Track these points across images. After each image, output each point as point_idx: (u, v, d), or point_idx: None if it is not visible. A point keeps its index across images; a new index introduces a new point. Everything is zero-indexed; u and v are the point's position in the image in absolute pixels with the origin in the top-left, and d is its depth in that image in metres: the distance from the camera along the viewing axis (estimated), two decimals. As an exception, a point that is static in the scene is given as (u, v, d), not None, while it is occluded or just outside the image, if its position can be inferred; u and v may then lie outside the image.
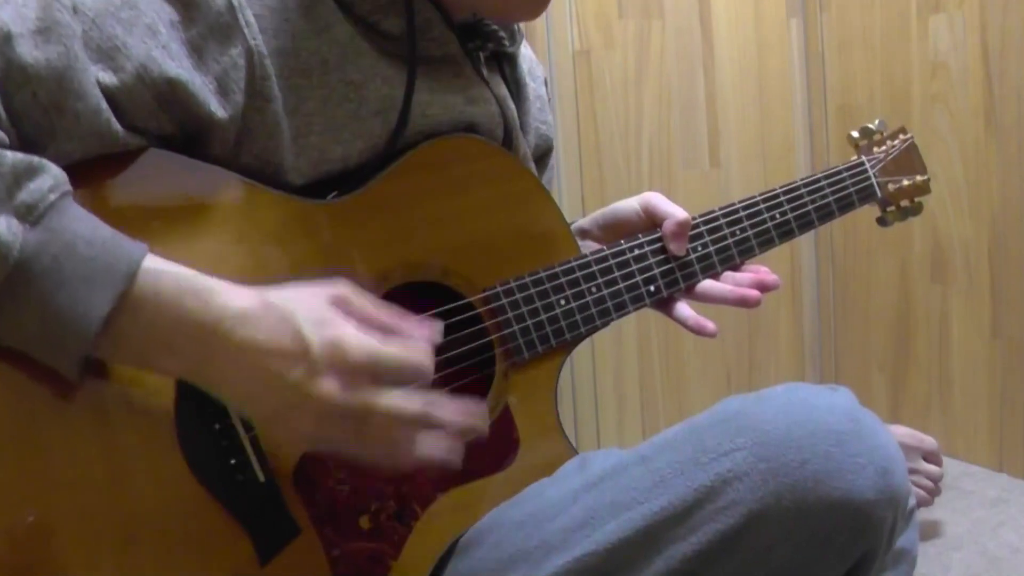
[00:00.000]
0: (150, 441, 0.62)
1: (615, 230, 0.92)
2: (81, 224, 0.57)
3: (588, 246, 0.90)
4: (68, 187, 0.57)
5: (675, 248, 0.87)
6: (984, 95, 1.46)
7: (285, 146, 0.70)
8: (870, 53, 1.66)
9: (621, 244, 0.85)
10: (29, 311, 0.55)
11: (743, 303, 0.89)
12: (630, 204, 0.91)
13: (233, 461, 0.65)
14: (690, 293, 0.91)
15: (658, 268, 0.87)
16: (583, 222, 0.96)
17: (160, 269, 0.58)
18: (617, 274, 0.85)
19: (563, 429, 0.83)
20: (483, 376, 0.80)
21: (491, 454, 0.78)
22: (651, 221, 0.90)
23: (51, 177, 0.56)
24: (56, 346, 0.56)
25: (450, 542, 0.75)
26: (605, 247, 0.85)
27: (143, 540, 0.61)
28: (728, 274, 0.91)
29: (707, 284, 0.90)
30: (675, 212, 0.88)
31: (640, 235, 0.87)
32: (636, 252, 0.86)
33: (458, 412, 0.63)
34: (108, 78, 0.62)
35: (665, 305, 0.91)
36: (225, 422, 0.65)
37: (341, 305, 0.61)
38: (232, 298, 0.58)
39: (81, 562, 0.59)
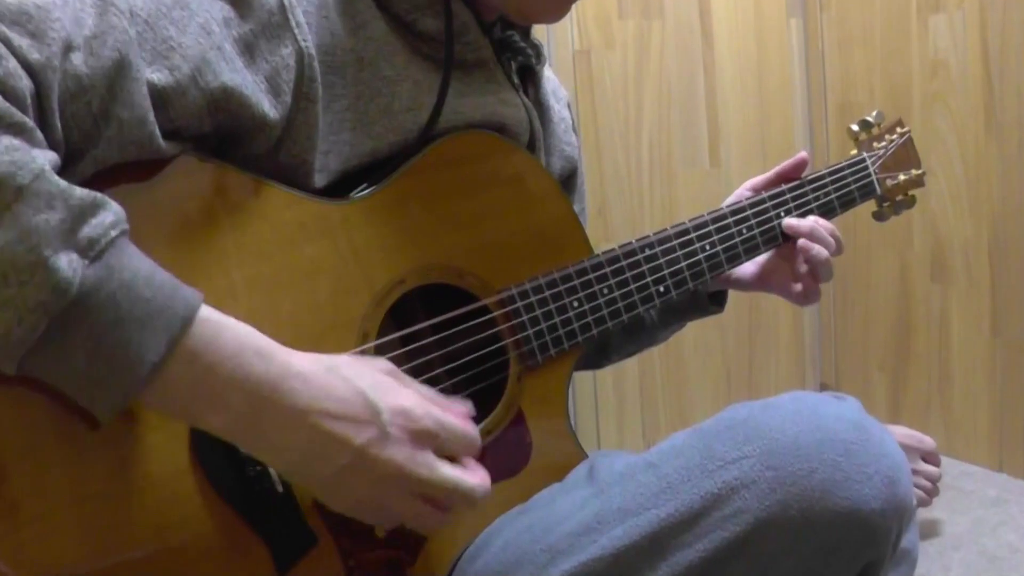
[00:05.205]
0: (168, 452, 0.62)
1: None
2: (140, 263, 0.55)
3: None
4: (126, 224, 0.55)
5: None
6: (984, 95, 1.46)
7: (318, 144, 0.70)
8: (870, 52, 1.66)
9: (632, 244, 0.86)
10: (78, 348, 0.52)
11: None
12: None
13: (251, 472, 0.65)
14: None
15: (668, 268, 0.87)
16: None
17: (219, 320, 0.56)
18: (628, 275, 0.85)
19: (574, 432, 0.83)
20: (495, 380, 0.80)
21: (505, 458, 0.78)
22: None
23: (112, 213, 0.54)
24: (100, 387, 0.53)
25: (465, 545, 0.75)
26: (617, 247, 0.85)
27: (161, 551, 0.61)
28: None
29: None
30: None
31: (651, 234, 0.87)
32: (647, 252, 0.86)
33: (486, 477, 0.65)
34: (163, 77, 0.61)
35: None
36: None
37: (394, 376, 0.63)
38: (293, 360, 0.58)
39: (99, 574, 0.59)
